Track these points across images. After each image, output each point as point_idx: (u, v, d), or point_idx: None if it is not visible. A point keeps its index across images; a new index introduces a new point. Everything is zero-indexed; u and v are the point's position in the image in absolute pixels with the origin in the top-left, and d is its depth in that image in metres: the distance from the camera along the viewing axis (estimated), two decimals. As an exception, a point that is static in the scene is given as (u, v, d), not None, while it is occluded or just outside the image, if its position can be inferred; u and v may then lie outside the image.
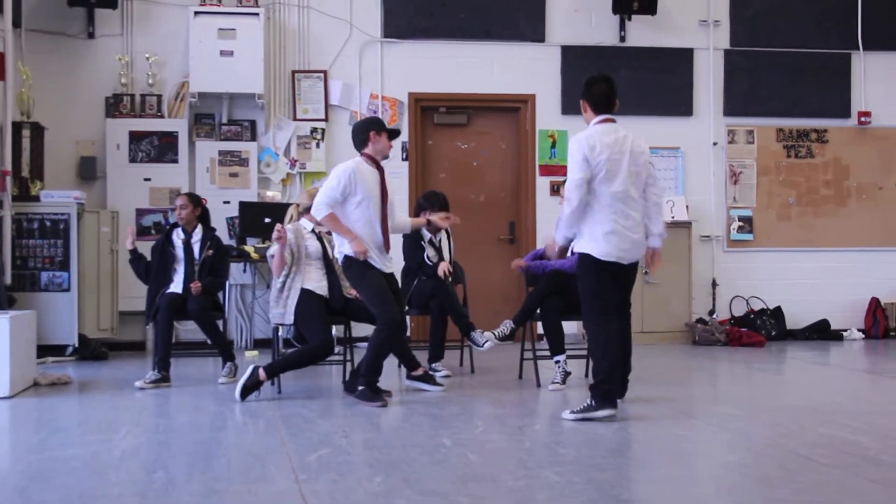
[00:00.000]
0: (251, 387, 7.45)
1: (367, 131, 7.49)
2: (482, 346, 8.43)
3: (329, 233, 7.92)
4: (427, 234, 9.06)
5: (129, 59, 11.26)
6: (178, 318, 8.68)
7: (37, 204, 10.26)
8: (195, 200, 8.87)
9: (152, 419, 7.15)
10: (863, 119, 12.60)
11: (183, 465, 5.46)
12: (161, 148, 11.09)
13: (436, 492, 4.82)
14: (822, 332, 12.28)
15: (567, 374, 8.13)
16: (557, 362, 8.13)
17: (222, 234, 10.10)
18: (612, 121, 6.91)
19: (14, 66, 10.26)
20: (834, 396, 8.02)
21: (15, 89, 10.32)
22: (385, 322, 7.29)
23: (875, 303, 12.41)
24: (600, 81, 7.03)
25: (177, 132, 11.15)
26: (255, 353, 10.52)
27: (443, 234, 9.17)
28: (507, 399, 7.78)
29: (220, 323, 8.79)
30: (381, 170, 7.54)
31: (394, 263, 7.68)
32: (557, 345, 8.14)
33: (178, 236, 8.72)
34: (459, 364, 9.33)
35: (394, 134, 7.68)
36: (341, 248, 7.48)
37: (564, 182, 6.98)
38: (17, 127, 10.33)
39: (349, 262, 7.40)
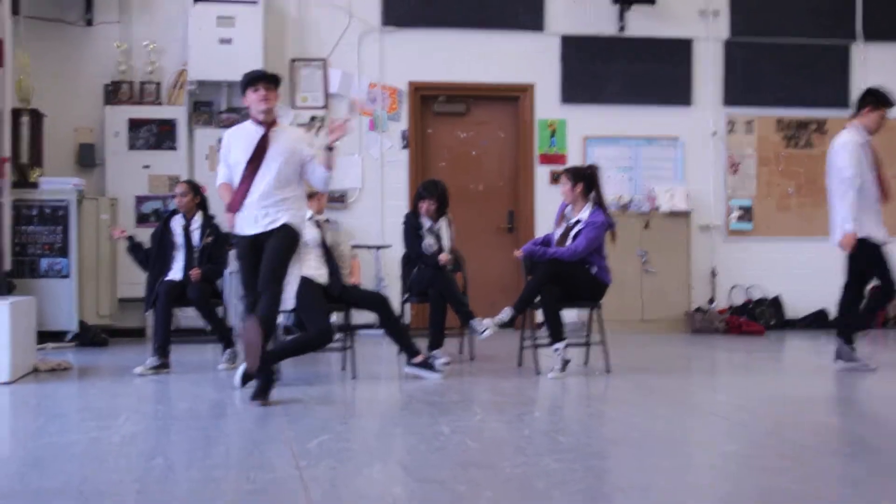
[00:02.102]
0: (251, 374, 7.43)
1: (243, 96, 6.94)
2: (481, 335, 8.42)
3: (327, 220, 7.92)
4: (427, 222, 9.05)
5: (128, 46, 11.25)
6: (178, 304, 8.69)
7: (36, 191, 10.26)
8: (195, 188, 8.89)
9: (151, 406, 7.16)
10: (862, 109, 12.57)
11: (182, 451, 5.45)
12: (160, 135, 11.08)
13: (434, 479, 4.81)
14: (820, 322, 12.30)
15: (566, 361, 8.12)
16: (557, 350, 8.12)
17: (221, 221, 10.07)
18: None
19: (13, 52, 10.24)
20: (832, 385, 8.03)
21: (14, 76, 10.31)
22: (245, 306, 7.09)
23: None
24: None
25: (176, 119, 11.14)
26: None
27: (442, 223, 9.16)
28: (507, 387, 7.77)
29: (219, 310, 8.80)
30: (267, 126, 6.86)
31: (276, 218, 6.88)
32: (556, 333, 8.13)
33: (177, 223, 8.74)
34: (459, 351, 9.31)
35: (261, 79, 6.87)
36: None
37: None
38: (15, 114, 10.31)
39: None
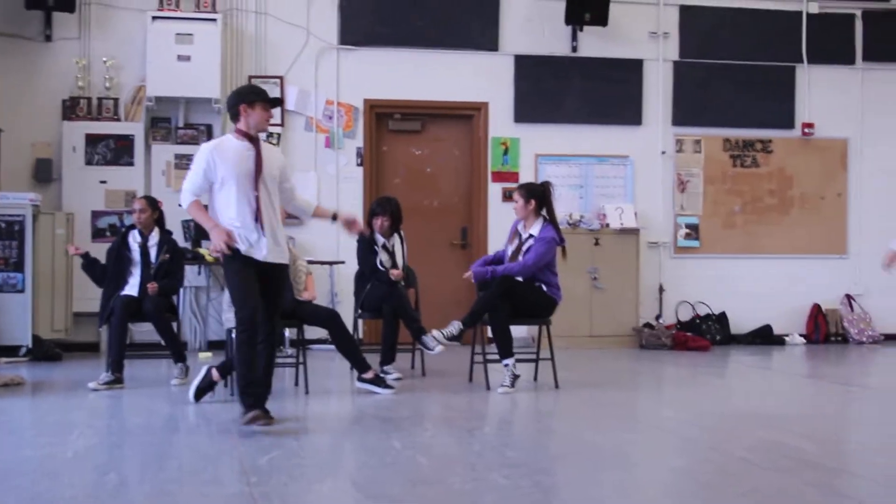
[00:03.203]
0: (205, 388, 7.42)
1: (237, 105, 6.51)
2: (433, 351, 8.44)
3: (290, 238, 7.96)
4: (380, 239, 9.07)
5: (87, 62, 11.18)
6: (133, 320, 8.63)
7: (-8, 205, 10.16)
8: (153, 204, 8.82)
9: (105, 421, 7.11)
10: (806, 130, 12.73)
11: (135, 466, 5.44)
12: (117, 151, 11.01)
13: (385, 495, 4.83)
14: (764, 337, 12.39)
15: (516, 377, 8.15)
16: (507, 366, 8.16)
17: (178, 237, 10.02)
18: None
19: (-29, 67, 10.16)
20: (775, 401, 8.11)
21: (-29, 91, 10.23)
22: (239, 321, 6.43)
23: (816, 309, 12.54)
24: None
25: (133, 135, 11.07)
26: (209, 354, 10.46)
27: (396, 239, 9.18)
28: (457, 402, 7.79)
29: (174, 325, 8.76)
30: (255, 142, 6.51)
31: (284, 249, 6.68)
32: (506, 349, 8.16)
33: (134, 239, 8.64)
34: (411, 367, 9.32)
35: (273, 103, 6.73)
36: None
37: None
38: (-27, 128, 10.23)
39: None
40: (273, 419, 6.36)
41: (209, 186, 6.49)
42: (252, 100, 6.51)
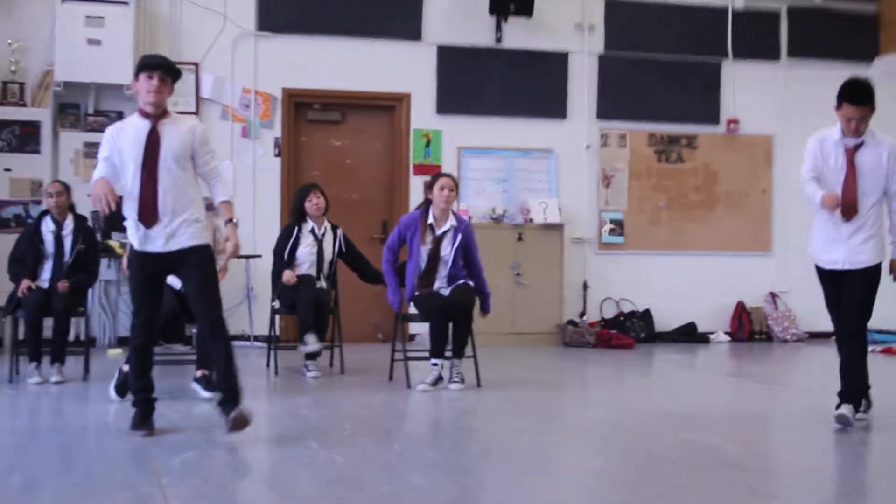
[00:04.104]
0: (124, 385, 7.34)
1: (134, 79, 6.17)
2: (306, 346, 8.59)
3: None
4: (310, 223, 9.02)
5: (-8, 45, 11.00)
6: (45, 314, 8.38)
7: None
8: (68, 188, 8.68)
9: (8, 420, 7.01)
10: (731, 126, 12.91)
11: (41, 468, 5.35)
12: (23, 138, 10.83)
13: (301, 496, 4.83)
14: (689, 335, 12.55)
15: (440, 378, 8.17)
16: (436, 365, 8.18)
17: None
18: None
19: None
20: (698, 400, 8.21)
21: None
22: (133, 325, 6.26)
23: (741, 306, 12.73)
24: None
25: (40, 122, 10.89)
26: (119, 351, 10.35)
27: (327, 227, 9.12)
28: (377, 401, 7.80)
29: (83, 320, 8.68)
30: (153, 119, 6.07)
31: (193, 231, 6.14)
32: (440, 350, 8.19)
33: (47, 227, 8.45)
34: (329, 365, 9.30)
35: (159, 67, 6.08)
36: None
37: None
38: None
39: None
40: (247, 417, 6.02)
41: (112, 167, 6.11)
42: (137, 71, 6.13)
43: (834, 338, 6.90)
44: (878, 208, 6.72)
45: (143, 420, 6.16)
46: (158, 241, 6.07)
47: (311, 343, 8.67)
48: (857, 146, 6.64)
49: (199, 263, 6.15)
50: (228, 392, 6.06)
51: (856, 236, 6.65)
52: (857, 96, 6.55)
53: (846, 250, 6.65)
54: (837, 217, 6.64)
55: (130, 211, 6.08)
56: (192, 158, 6.18)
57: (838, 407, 6.55)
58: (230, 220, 6.24)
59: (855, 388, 6.63)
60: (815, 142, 6.85)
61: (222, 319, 6.23)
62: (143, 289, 6.19)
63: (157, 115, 6.10)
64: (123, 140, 6.08)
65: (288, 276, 8.79)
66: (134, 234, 6.12)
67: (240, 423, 5.94)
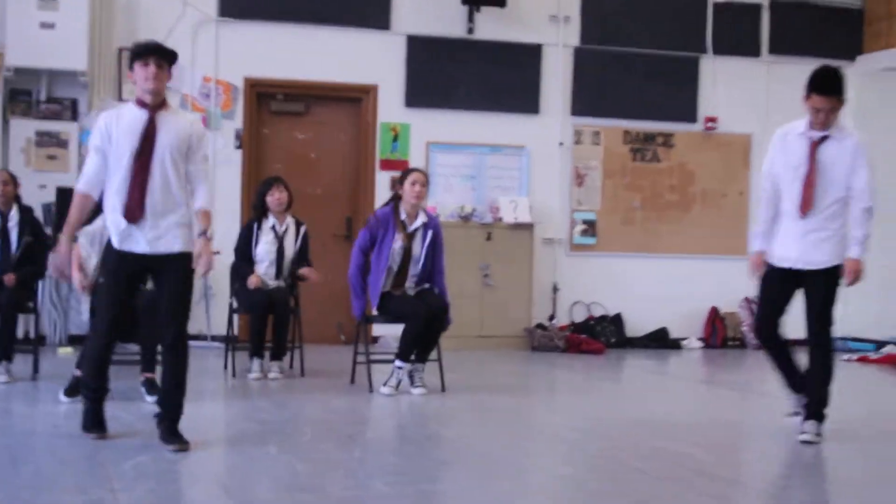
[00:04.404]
0: (75, 386, 7.36)
1: (130, 69, 5.99)
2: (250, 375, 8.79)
3: None
4: (271, 220, 9.05)
5: (-60, 27, 10.95)
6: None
7: None
8: (15, 178, 8.69)
9: (-46, 420, 7.01)
10: (709, 124, 12.99)
11: (-12, 471, 5.38)
12: (-28, 125, 10.83)
13: (258, 501, 4.87)
14: (660, 341, 12.60)
15: (400, 381, 8.21)
16: (401, 368, 8.22)
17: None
18: None
19: None
20: (669, 407, 8.29)
21: None
22: (94, 325, 6.34)
23: (714, 312, 12.79)
24: None
25: (-11, 109, 10.90)
26: (69, 349, 10.32)
27: (290, 224, 9.15)
28: (339, 405, 7.83)
29: (29, 319, 8.67)
30: (151, 110, 5.91)
31: (177, 235, 5.98)
32: (407, 354, 8.24)
33: (-9, 220, 8.50)
34: (289, 366, 9.31)
35: (154, 52, 5.92)
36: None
37: None
38: None
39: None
40: (187, 443, 5.89)
41: (104, 160, 5.91)
42: (131, 60, 5.97)
43: (755, 337, 6.95)
44: (842, 207, 6.64)
45: (97, 422, 6.13)
46: (142, 241, 5.90)
47: (255, 372, 8.84)
48: (822, 140, 6.60)
49: (181, 272, 5.98)
50: (170, 416, 6.03)
51: (813, 234, 6.59)
52: (825, 86, 6.53)
53: (801, 248, 6.60)
54: (794, 212, 6.60)
55: (114, 205, 5.90)
56: (186, 156, 5.99)
57: (804, 424, 6.61)
58: (203, 233, 5.94)
59: (818, 399, 6.63)
60: (778, 136, 6.85)
61: (186, 336, 6.12)
62: (116, 288, 6.02)
63: (156, 105, 5.93)
64: (118, 129, 5.88)
65: (254, 281, 8.83)
66: (114, 231, 5.93)
67: (180, 450, 5.84)
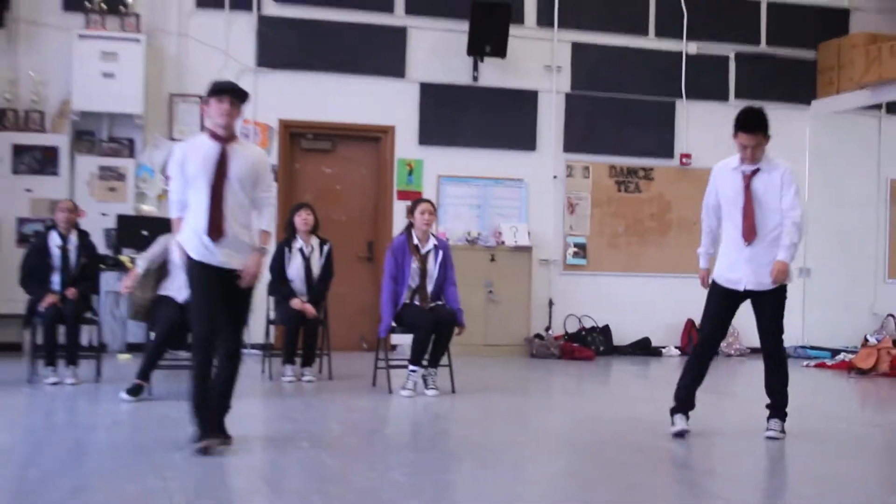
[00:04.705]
0: (137, 388, 7.41)
1: (206, 103, 5.84)
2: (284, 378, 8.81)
3: None
4: (299, 241, 9.05)
5: (14, 76, 10.96)
6: (59, 322, 8.39)
7: (-81, 211, 9.93)
8: (76, 206, 8.78)
9: (27, 418, 7.00)
10: (684, 160, 12.99)
11: (56, 462, 5.35)
12: (43, 161, 10.82)
13: (292, 490, 4.85)
14: (643, 349, 12.58)
15: (416, 383, 8.21)
16: (414, 371, 8.22)
17: (99, 244, 9.87)
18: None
19: None
20: (651, 408, 8.22)
21: None
22: (195, 335, 5.83)
23: (690, 323, 12.74)
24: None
25: (58, 147, 10.87)
26: (128, 356, 10.32)
27: (315, 245, 9.15)
28: (362, 405, 7.81)
29: (92, 329, 8.70)
30: (223, 141, 5.78)
31: (248, 254, 5.83)
32: (419, 358, 8.23)
33: (53, 242, 8.48)
34: (319, 371, 9.29)
35: (230, 92, 5.81)
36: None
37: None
38: None
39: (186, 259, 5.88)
40: (230, 438, 5.73)
41: (186, 191, 5.79)
42: (206, 98, 5.82)
43: (700, 350, 6.83)
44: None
45: (205, 431, 5.67)
46: (219, 256, 5.74)
47: (289, 376, 8.89)
48: (753, 172, 6.49)
49: (246, 289, 5.86)
50: (219, 413, 5.82)
51: (759, 258, 6.47)
52: (750, 125, 6.43)
53: (749, 271, 6.47)
54: (740, 240, 6.48)
55: (194, 225, 5.74)
56: (254, 183, 5.87)
57: (769, 422, 6.59)
58: (261, 249, 5.90)
59: (780, 400, 6.59)
60: (716, 171, 6.73)
61: (241, 349, 5.97)
62: (200, 297, 5.78)
63: (227, 137, 5.80)
64: (193, 158, 5.75)
65: (297, 304, 8.82)
66: (195, 245, 5.75)
67: (205, 452, 5.56)
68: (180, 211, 5.82)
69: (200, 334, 5.73)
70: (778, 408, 6.60)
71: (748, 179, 6.47)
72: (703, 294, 11.92)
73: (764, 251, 6.47)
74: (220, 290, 5.77)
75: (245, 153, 5.89)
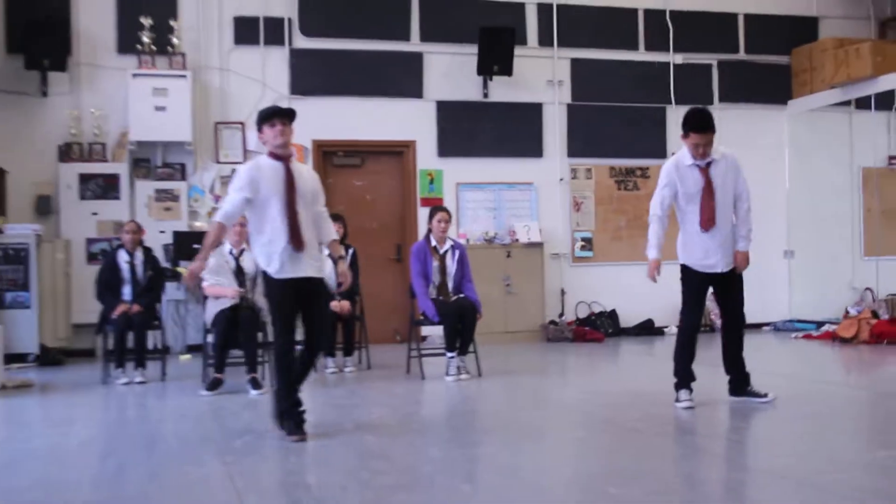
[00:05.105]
0: (214, 382, 7.59)
1: (258, 132, 5.74)
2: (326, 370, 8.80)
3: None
4: (325, 249, 9.05)
5: (78, 113, 11.02)
6: (127, 328, 8.43)
7: (1, 236, 9.99)
8: (140, 226, 8.84)
9: (103, 414, 7.05)
10: (676, 159, 12.92)
11: (130, 452, 5.38)
12: (106, 187, 10.88)
13: (340, 468, 4.85)
14: (647, 329, 12.54)
15: (458, 367, 8.20)
16: (452, 357, 8.22)
17: (158, 258, 9.90)
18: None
19: (-21, 120, 9.98)
20: (657, 381, 8.18)
21: (-20, 139, 10.05)
22: (278, 346, 5.63)
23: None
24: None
25: (119, 174, 10.94)
26: (189, 356, 10.37)
27: (341, 251, 9.14)
28: (398, 390, 7.80)
29: (158, 332, 8.76)
30: (284, 160, 5.64)
31: (321, 263, 5.86)
32: (453, 345, 8.22)
33: (122, 259, 8.55)
34: (358, 361, 9.30)
35: (277, 114, 5.65)
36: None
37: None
38: (-18, 171, 10.06)
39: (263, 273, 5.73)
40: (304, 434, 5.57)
41: (247, 204, 5.60)
42: (259, 126, 5.69)
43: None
44: None
45: (298, 426, 5.58)
46: (302, 266, 5.60)
47: (331, 367, 8.93)
48: (709, 164, 6.38)
49: (324, 294, 5.83)
50: (293, 408, 5.65)
51: (728, 242, 6.43)
52: (701, 126, 6.29)
53: (721, 254, 6.42)
54: (696, 230, 6.42)
55: (272, 239, 5.58)
56: (314, 198, 5.76)
57: (752, 388, 6.56)
58: (341, 257, 5.92)
59: (743, 373, 6.60)
60: (671, 168, 6.49)
61: (318, 351, 5.88)
62: (287, 312, 5.60)
63: (286, 156, 5.65)
64: (262, 177, 5.57)
65: (335, 306, 8.77)
66: (273, 262, 5.58)
67: (299, 441, 5.49)
68: (226, 219, 5.64)
69: (283, 344, 5.58)
70: (748, 374, 6.60)
71: (706, 171, 6.36)
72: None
73: (730, 235, 6.44)
74: (299, 301, 5.62)
75: (302, 171, 5.77)
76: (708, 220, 6.39)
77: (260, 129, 5.67)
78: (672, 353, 6.71)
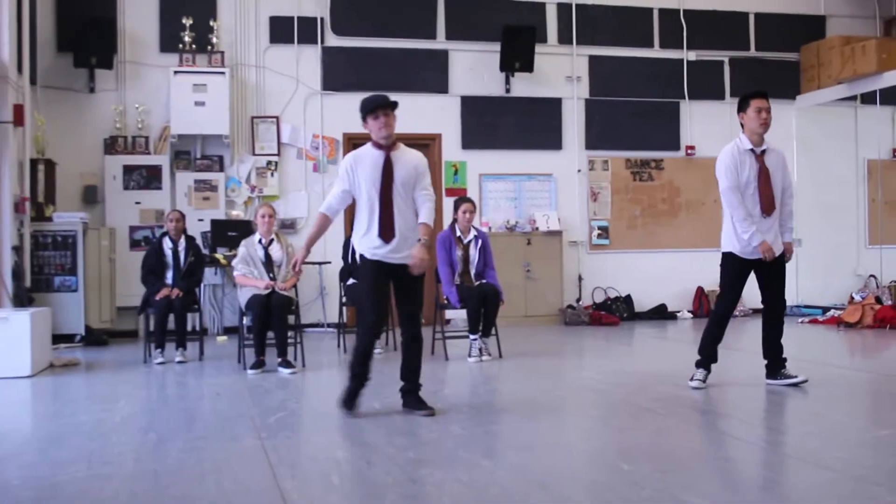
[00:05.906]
0: (257, 363, 7.55)
1: (363, 122, 5.61)
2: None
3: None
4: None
5: (123, 108, 11.07)
6: (168, 311, 8.47)
7: (50, 223, 10.06)
8: (184, 216, 8.84)
9: (144, 391, 7.06)
10: (689, 151, 12.85)
11: (170, 428, 5.39)
12: (148, 178, 10.92)
13: (368, 443, 4.85)
14: (661, 314, 12.48)
15: (481, 349, 8.18)
16: (475, 339, 8.19)
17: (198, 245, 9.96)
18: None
19: (31, 114, 10.03)
20: (670, 363, 8.16)
21: (31, 133, 10.09)
22: (366, 324, 5.61)
23: (700, 290, 12.64)
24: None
25: (161, 165, 10.98)
26: (225, 338, 10.40)
27: None
28: (424, 370, 7.70)
29: (196, 315, 8.77)
30: (386, 150, 5.55)
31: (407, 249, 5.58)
32: (476, 327, 8.20)
33: (167, 245, 8.60)
34: (386, 343, 9.29)
35: (381, 106, 5.53)
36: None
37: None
38: (33, 163, 10.09)
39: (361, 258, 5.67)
40: (433, 409, 5.60)
41: (348, 195, 5.62)
42: (363, 117, 5.59)
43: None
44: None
45: (352, 402, 5.62)
46: (390, 252, 5.54)
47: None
48: (763, 152, 6.26)
49: (417, 279, 5.63)
50: (415, 389, 5.78)
51: (775, 229, 6.31)
52: (759, 93, 6.26)
53: (770, 241, 6.25)
54: (758, 215, 6.24)
55: (366, 227, 5.57)
56: (415, 183, 5.62)
57: (785, 371, 6.43)
58: (419, 240, 5.56)
59: (780, 357, 6.44)
60: (730, 155, 6.28)
61: (420, 328, 5.79)
62: (376, 292, 5.57)
63: (389, 145, 5.57)
64: (361, 168, 5.54)
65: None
66: (367, 245, 5.57)
67: (429, 415, 5.55)
68: (328, 210, 5.71)
69: (369, 321, 5.55)
70: (784, 359, 6.47)
71: (761, 159, 6.26)
72: (709, 264, 11.81)
73: (774, 222, 6.32)
74: (389, 284, 5.61)
75: (406, 158, 5.64)
76: (769, 206, 6.26)
77: (364, 120, 5.59)
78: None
